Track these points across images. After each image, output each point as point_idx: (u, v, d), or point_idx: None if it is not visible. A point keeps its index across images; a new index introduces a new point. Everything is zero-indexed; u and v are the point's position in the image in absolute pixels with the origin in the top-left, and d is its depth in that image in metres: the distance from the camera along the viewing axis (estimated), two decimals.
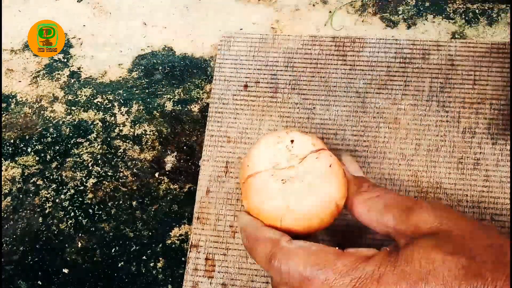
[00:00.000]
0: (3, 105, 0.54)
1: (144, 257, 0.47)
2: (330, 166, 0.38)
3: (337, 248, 0.34)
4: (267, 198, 0.37)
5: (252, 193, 0.38)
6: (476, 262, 0.31)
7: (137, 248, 0.47)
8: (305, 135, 0.39)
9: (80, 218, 0.49)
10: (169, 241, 0.47)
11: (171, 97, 0.52)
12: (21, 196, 0.50)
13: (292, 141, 0.39)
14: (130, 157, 0.51)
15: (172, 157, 0.50)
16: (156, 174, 0.50)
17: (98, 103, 0.53)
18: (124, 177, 0.50)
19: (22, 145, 0.52)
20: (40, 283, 0.47)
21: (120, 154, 0.51)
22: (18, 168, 0.51)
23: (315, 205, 0.37)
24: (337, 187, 0.38)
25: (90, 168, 0.50)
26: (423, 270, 0.31)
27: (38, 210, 0.49)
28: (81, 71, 0.55)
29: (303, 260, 0.33)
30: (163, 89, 0.53)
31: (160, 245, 0.47)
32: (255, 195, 0.38)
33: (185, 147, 0.50)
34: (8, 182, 0.51)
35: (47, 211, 0.49)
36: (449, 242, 0.32)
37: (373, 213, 0.36)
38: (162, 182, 0.49)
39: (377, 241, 0.42)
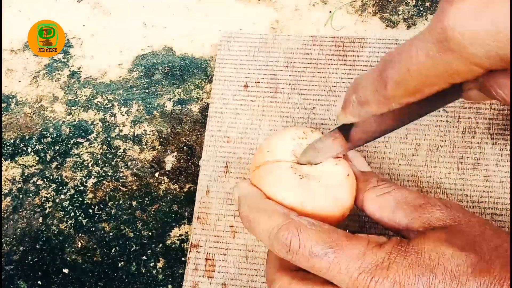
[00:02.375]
0: (3, 105, 0.54)
1: (144, 257, 0.47)
2: (348, 175, 0.38)
3: (347, 231, 0.34)
4: (281, 188, 0.37)
5: (266, 179, 0.38)
6: (485, 260, 0.31)
7: (137, 248, 0.47)
8: None
9: (80, 218, 0.49)
10: (169, 241, 0.47)
11: (171, 97, 0.52)
12: (21, 196, 0.50)
13: None
14: (130, 157, 0.51)
15: (172, 157, 0.50)
16: (156, 174, 0.50)
17: (98, 103, 0.53)
18: (124, 177, 0.50)
19: (22, 145, 0.52)
20: (40, 283, 0.47)
21: (120, 154, 0.51)
22: (18, 168, 0.51)
23: (326, 208, 0.37)
24: (349, 197, 0.38)
25: (90, 168, 0.50)
26: (432, 263, 0.31)
27: (38, 210, 0.49)
28: (81, 71, 0.55)
29: (315, 236, 0.33)
30: (163, 89, 0.53)
31: (160, 245, 0.47)
32: (269, 182, 0.38)
33: (185, 147, 0.50)
34: (8, 182, 0.51)
35: (47, 211, 0.49)
36: (459, 237, 0.33)
37: (385, 211, 0.37)
38: (162, 182, 0.49)
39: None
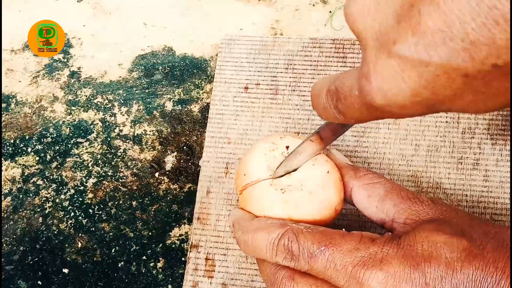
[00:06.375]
0: (3, 105, 0.53)
1: (144, 257, 0.47)
2: (328, 172, 0.38)
3: (343, 229, 0.35)
4: (267, 208, 0.37)
5: (250, 203, 0.38)
6: (476, 245, 0.32)
7: (137, 248, 0.47)
8: (299, 139, 0.39)
9: (80, 218, 0.49)
10: (169, 241, 0.47)
11: (171, 97, 0.53)
12: (21, 196, 0.50)
13: (287, 147, 0.39)
14: (130, 157, 0.51)
15: (172, 157, 0.50)
16: (156, 174, 0.50)
17: (98, 103, 0.53)
18: (124, 177, 0.50)
19: (22, 145, 0.52)
20: (40, 283, 0.47)
21: (120, 154, 0.51)
22: (18, 168, 0.51)
23: (315, 213, 0.37)
24: (335, 192, 0.38)
25: (90, 168, 0.50)
26: (425, 253, 0.32)
27: (38, 210, 0.49)
28: (81, 71, 0.55)
29: (311, 237, 0.34)
30: (163, 89, 0.53)
31: (160, 245, 0.47)
32: (254, 205, 0.38)
33: (185, 147, 0.50)
34: (8, 182, 0.50)
35: (47, 211, 0.49)
36: (449, 226, 0.33)
37: (373, 199, 0.37)
38: (162, 182, 0.49)
39: None
